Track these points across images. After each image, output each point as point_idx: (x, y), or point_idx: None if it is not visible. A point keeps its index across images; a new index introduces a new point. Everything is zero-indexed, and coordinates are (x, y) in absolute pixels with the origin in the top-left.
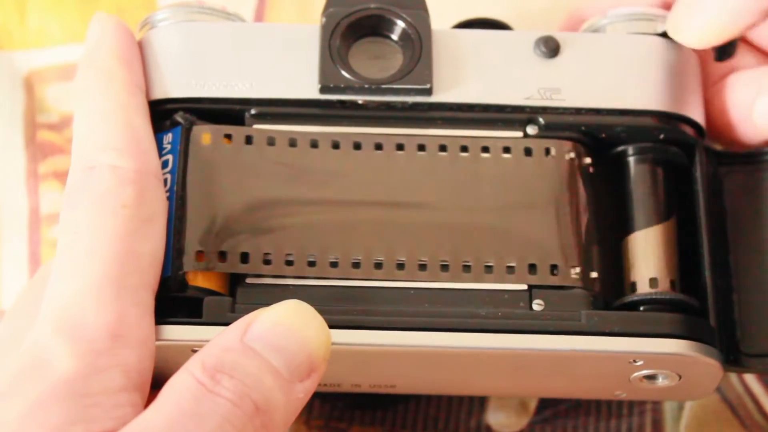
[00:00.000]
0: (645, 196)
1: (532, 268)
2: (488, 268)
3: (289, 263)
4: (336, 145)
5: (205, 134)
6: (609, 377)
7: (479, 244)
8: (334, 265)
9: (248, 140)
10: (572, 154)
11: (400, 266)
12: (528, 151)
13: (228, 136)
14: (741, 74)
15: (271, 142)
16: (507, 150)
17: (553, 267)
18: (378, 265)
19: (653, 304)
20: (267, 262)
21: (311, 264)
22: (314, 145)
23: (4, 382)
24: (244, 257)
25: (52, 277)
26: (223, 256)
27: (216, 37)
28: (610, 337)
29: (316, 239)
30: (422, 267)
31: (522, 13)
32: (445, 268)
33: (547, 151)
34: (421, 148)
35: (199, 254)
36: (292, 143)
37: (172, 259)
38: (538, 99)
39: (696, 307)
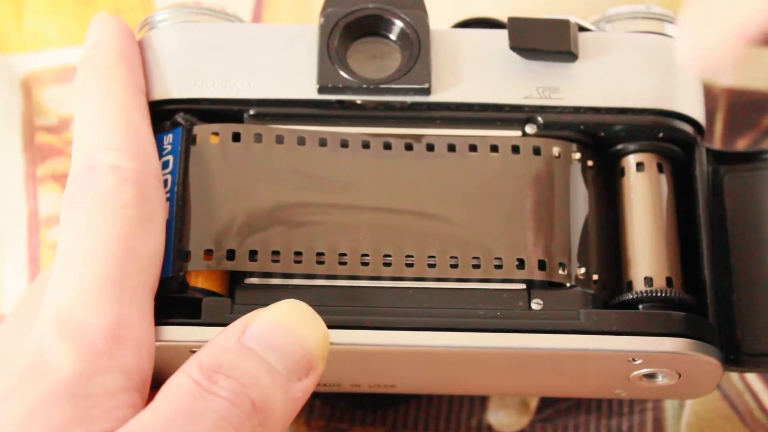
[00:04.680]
0: (644, 194)
1: (530, 266)
2: (487, 266)
3: (298, 262)
4: (344, 144)
5: (205, 134)
6: (608, 376)
7: (479, 242)
8: (342, 263)
9: (249, 139)
10: (572, 153)
11: (409, 265)
12: (528, 150)
13: (229, 136)
14: None
15: (272, 140)
16: (506, 149)
17: (552, 266)
18: (387, 264)
19: (652, 302)
20: (275, 260)
21: (320, 263)
22: (322, 143)
23: (5, 383)
24: (252, 255)
25: (52, 277)
26: (231, 254)
27: (215, 37)
28: (609, 335)
29: (320, 237)
30: (431, 265)
31: (521, 12)
32: (454, 267)
33: (548, 151)
34: (421, 147)
35: (207, 253)
36: (294, 142)
37: (173, 260)
38: (537, 98)
39: (695, 306)
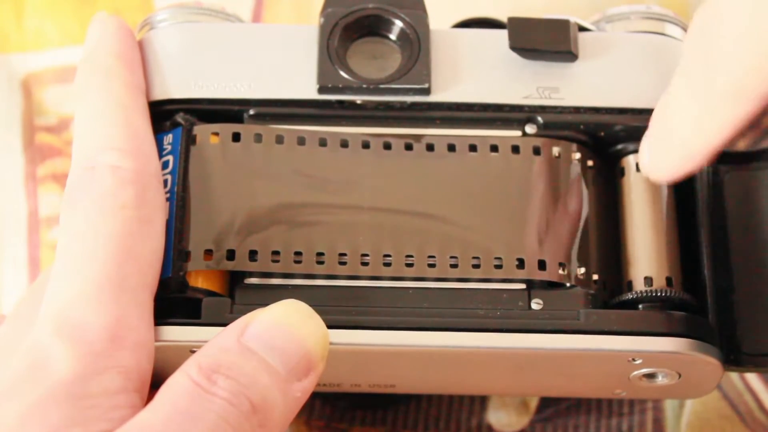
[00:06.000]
0: (644, 194)
1: (530, 266)
2: (487, 266)
3: (298, 262)
4: (344, 144)
5: (205, 134)
6: (608, 376)
7: (479, 242)
8: (342, 263)
9: (249, 139)
10: (572, 153)
11: (409, 265)
12: (528, 150)
13: (229, 136)
14: None
15: (272, 140)
16: (506, 149)
17: (552, 265)
18: (386, 264)
19: (652, 302)
20: (275, 260)
21: (320, 263)
22: (322, 143)
23: (3, 383)
24: (252, 255)
25: (51, 277)
26: (231, 254)
27: (215, 37)
28: (609, 335)
29: (320, 237)
30: (431, 265)
31: (521, 12)
32: (454, 266)
33: (547, 151)
34: (421, 147)
35: (207, 253)
36: (294, 142)
37: (173, 260)
38: (537, 98)
39: (695, 306)
